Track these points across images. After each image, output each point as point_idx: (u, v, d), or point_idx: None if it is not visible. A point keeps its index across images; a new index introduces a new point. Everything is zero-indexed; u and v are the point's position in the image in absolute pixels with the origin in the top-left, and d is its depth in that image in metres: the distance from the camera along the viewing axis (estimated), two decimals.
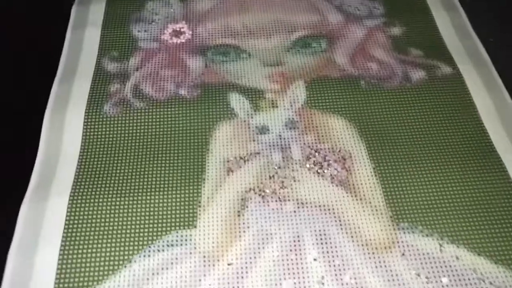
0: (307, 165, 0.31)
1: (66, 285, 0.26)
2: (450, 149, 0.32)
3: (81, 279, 0.27)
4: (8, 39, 0.40)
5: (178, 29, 0.39)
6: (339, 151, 0.32)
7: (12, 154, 0.32)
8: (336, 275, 0.27)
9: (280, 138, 0.33)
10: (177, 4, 0.41)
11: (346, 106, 0.34)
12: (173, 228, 0.29)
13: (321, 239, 0.28)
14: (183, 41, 0.38)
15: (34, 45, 0.39)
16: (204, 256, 0.27)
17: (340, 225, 0.29)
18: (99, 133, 0.33)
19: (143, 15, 0.40)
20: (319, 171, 0.31)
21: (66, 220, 0.29)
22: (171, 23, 0.40)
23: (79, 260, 0.27)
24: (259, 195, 0.30)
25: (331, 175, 0.31)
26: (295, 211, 0.29)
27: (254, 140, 0.33)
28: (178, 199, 0.30)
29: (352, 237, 0.28)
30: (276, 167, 0.31)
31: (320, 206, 0.29)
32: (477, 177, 0.31)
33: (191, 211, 0.29)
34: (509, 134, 0.33)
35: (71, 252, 0.27)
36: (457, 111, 0.34)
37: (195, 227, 0.29)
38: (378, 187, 0.30)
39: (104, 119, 0.33)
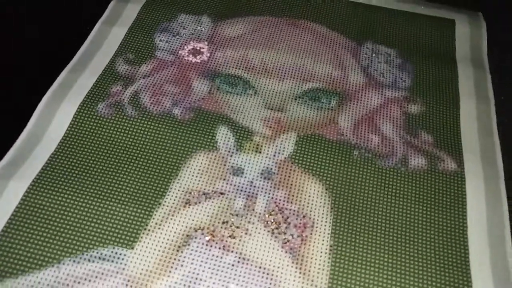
0: (265, 221, 0.30)
1: None
2: (422, 253, 0.30)
3: (9, 265, 0.27)
4: (44, 20, 0.42)
5: (198, 48, 0.40)
6: (304, 217, 0.31)
7: (4, 123, 0.34)
8: None
9: (251, 185, 0.32)
10: (207, 24, 0.42)
11: (329, 172, 0.33)
12: (111, 242, 0.29)
13: None
14: (198, 61, 0.39)
15: (65, 31, 0.41)
16: (128, 281, 0.27)
17: None
18: (84, 129, 0.34)
19: (171, 26, 0.41)
20: (274, 231, 0.30)
21: (19, 203, 0.30)
22: (194, 41, 0.40)
23: (13, 246, 0.28)
24: (205, 237, 0.29)
25: (285, 239, 0.30)
26: (233, 265, 0.28)
27: (224, 179, 0.32)
28: (128, 215, 0.30)
29: None
30: (234, 214, 0.30)
31: (260, 268, 0.28)
32: None
33: (134, 231, 0.29)
34: (492, 262, 0.30)
35: (9, 235, 0.28)
36: (445, 214, 0.32)
37: (132, 248, 0.28)
38: (327, 266, 0.29)
39: (94, 117, 0.34)
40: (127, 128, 0.34)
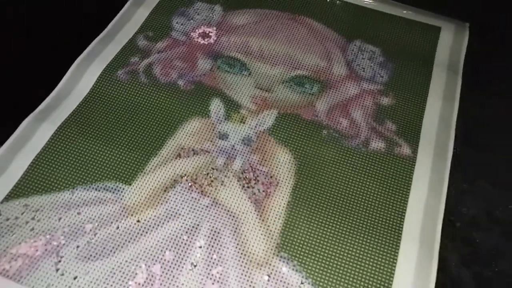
0: (239, 177, 0.37)
1: (27, 184, 0.35)
2: (362, 219, 0.36)
3: (36, 186, 0.36)
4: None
5: (207, 32, 0.47)
6: (271, 177, 0.37)
7: (42, 79, 0.42)
8: (208, 265, 0.33)
9: (232, 148, 0.39)
10: (218, 12, 0.49)
11: (299, 146, 0.39)
12: (114, 178, 0.36)
13: (213, 234, 0.34)
14: (206, 43, 0.46)
15: (95, 10, 0.49)
16: (124, 208, 0.35)
17: (235, 231, 0.34)
18: (105, 89, 0.42)
19: (188, 11, 0.48)
20: (245, 185, 0.37)
21: (47, 141, 0.38)
22: (204, 26, 0.47)
23: (41, 172, 0.36)
24: (188, 183, 0.36)
25: (252, 191, 0.36)
26: (207, 206, 0.35)
27: (211, 141, 0.39)
28: (130, 159, 0.37)
29: (238, 244, 0.34)
30: (214, 168, 0.37)
31: (228, 211, 0.35)
32: (367, 252, 0.34)
33: (133, 171, 0.37)
34: (421, 238, 0.35)
35: (38, 164, 0.37)
36: (391, 192, 0.37)
37: (130, 184, 0.36)
38: (282, 217, 0.35)
39: (113, 80, 0.42)
40: (139, 92, 0.42)
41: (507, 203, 0.38)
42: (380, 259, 0.34)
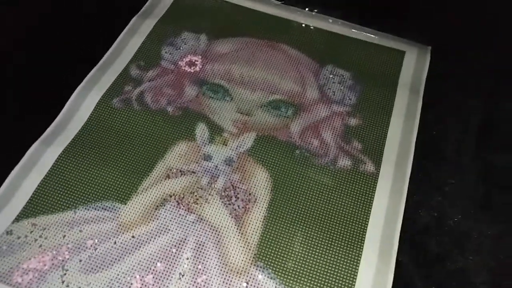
0: (221, 195, 0.42)
1: (34, 205, 0.40)
2: (329, 230, 0.40)
3: (42, 206, 0.41)
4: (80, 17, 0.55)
5: (193, 61, 0.51)
6: (250, 194, 0.43)
7: (46, 107, 0.47)
8: (194, 274, 0.38)
9: (215, 169, 0.44)
10: (203, 42, 0.54)
11: (275, 165, 0.44)
12: (111, 198, 0.41)
13: (199, 247, 0.39)
14: (192, 71, 0.51)
15: (94, 38, 0.54)
16: (120, 225, 0.40)
17: (217, 244, 0.39)
18: (102, 116, 0.47)
19: (176, 41, 0.53)
20: (226, 202, 0.42)
21: (52, 164, 0.43)
22: (191, 54, 0.52)
23: (46, 193, 0.41)
24: (176, 201, 0.42)
25: (233, 208, 0.41)
26: (193, 222, 0.41)
27: (197, 163, 0.44)
28: (125, 180, 0.42)
29: (220, 255, 0.39)
30: (199, 187, 0.42)
31: (212, 226, 0.40)
32: (333, 262, 0.39)
33: (128, 192, 0.42)
34: (381, 242, 0.40)
35: (44, 186, 0.42)
36: (355, 205, 0.42)
37: (125, 204, 0.41)
38: (259, 230, 0.40)
39: (109, 108, 0.47)
40: (132, 119, 0.47)
41: (457, 214, 0.43)
42: (344, 265, 0.39)
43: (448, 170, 0.46)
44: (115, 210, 0.41)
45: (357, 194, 0.43)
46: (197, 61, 0.52)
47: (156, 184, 0.42)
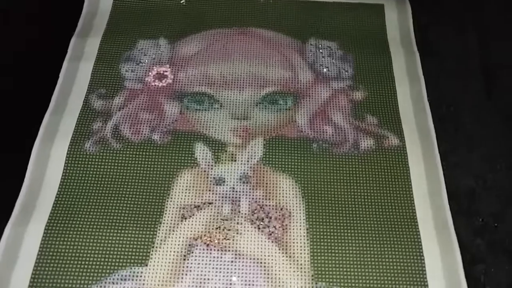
0: (251, 220, 0.36)
1: None
2: (379, 222, 0.37)
3: None
4: (8, 64, 0.44)
5: (161, 72, 0.44)
6: (281, 209, 0.37)
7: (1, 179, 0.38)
8: None
9: (233, 191, 0.38)
10: (165, 46, 0.46)
11: (296, 167, 0.39)
12: (128, 263, 0.34)
13: (248, 287, 0.34)
14: (164, 85, 0.43)
15: (32, 72, 0.44)
16: None
17: (268, 278, 0.34)
18: (78, 168, 0.38)
19: (133, 54, 0.45)
20: (260, 226, 0.36)
21: (40, 244, 0.34)
22: (157, 66, 0.44)
23: (46, 281, 0.33)
24: (205, 243, 0.35)
25: (269, 231, 0.36)
26: (232, 261, 0.34)
27: (210, 190, 0.38)
28: (136, 238, 0.35)
29: None
30: (224, 219, 0.36)
31: (254, 259, 0.35)
32: (395, 254, 0.35)
33: (145, 250, 0.35)
34: (435, 219, 0.37)
35: (41, 273, 0.33)
36: (394, 185, 0.39)
37: (146, 265, 0.34)
38: (307, 247, 0.35)
39: (84, 156, 0.39)
40: (116, 161, 0.39)
41: (494, 168, 0.41)
42: (408, 251, 0.35)
43: (470, 123, 0.43)
44: (137, 277, 0.34)
45: (392, 173, 0.39)
46: (166, 71, 0.44)
47: (173, 231, 0.36)
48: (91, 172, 0.38)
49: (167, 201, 0.37)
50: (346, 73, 0.45)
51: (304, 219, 0.37)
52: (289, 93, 0.43)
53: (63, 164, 0.38)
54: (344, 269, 0.34)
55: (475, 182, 0.40)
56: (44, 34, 0.47)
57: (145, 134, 0.40)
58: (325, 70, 0.45)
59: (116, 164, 0.38)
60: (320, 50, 0.46)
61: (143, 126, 0.41)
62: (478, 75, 0.46)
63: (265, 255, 0.35)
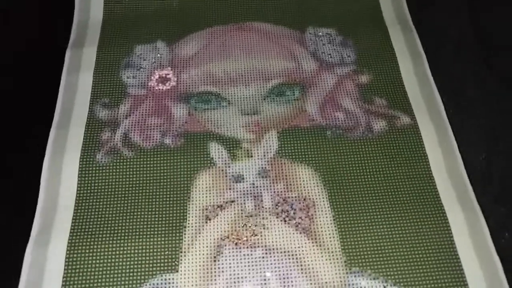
0: (276, 213, 0.36)
1: None
2: (402, 200, 0.37)
3: None
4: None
5: (164, 76, 0.43)
6: (304, 199, 0.37)
7: (14, 202, 0.37)
8: None
9: (253, 187, 0.37)
10: (164, 49, 0.45)
11: (313, 156, 0.39)
12: (158, 271, 0.33)
13: (284, 280, 0.33)
14: (169, 88, 0.42)
15: (30, 87, 0.42)
16: None
17: (301, 269, 0.34)
18: (93, 181, 0.37)
19: (132, 60, 0.44)
20: (286, 219, 0.36)
21: (65, 263, 0.33)
22: (158, 69, 0.43)
23: None
24: (233, 242, 0.34)
25: (296, 223, 0.35)
26: (263, 257, 0.34)
27: (230, 189, 0.37)
28: (162, 245, 0.34)
29: (310, 280, 0.33)
30: (248, 216, 0.36)
31: (285, 252, 0.34)
32: (422, 229, 0.35)
33: (173, 256, 0.34)
34: (456, 189, 0.37)
35: None
36: (412, 162, 0.39)
37: (177, 271, 0.33)
38: (336, 234, 0.35)
39: (97, 168, 0.37)
40: (130, 169, 0.38)
41: (502, 136, 0.41)
42: (435, 227, 0.35)
43: (473, 94, 0.44)
44: (169, 283, 0.33)
45: (408, 151, 0.39)
46: (168, 74, 0.43)
47: (200, 233, 0.35)
48: (106, 184, 0.37)
49: (189, 204, 0.36)
50: (349, 58, 0.45)
51: (328, 207, 0.36)
52: (296, 84, 0.43)
53: (76, 179, 0.37)
54: (375, 252, 0.34)
55: (486, 151, 0.40)
56: (38, 46, 0.45)
57: (156, 139, 0.39)
58: (327, 57, 0.45)
59: (131, 172, 0.37)
60: (320, 38, 0.46)
61: (153, 131, 0.40)
62: (475, 48, 0.46)
63: (295, 247, 0.34)
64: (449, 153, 0.39)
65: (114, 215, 0.35)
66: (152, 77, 0.43)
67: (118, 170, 0.38)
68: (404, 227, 0.35)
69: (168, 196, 0.36)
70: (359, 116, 0.41)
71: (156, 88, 0.42)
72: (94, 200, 0.36)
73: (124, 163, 0.38)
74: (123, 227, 0.35)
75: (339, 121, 0.41)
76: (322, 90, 0.43)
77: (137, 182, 0.37)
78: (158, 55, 0.44)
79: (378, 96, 0.42)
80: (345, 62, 0.44)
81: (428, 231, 0.35)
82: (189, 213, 0.36)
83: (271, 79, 0.43)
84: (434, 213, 0.36)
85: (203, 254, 0.34)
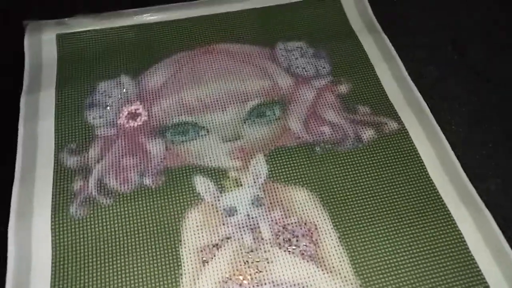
0: (278, 244, 0.33)
1: None
2: (405, 207, 0.35)
3: None
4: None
5: (133, 111, 0.40)
6: (305, 224, 0.34)
7: None
8: None
9: (249, 218, 0.34)
10: (129, 83, 0.41)
11: (305, 175, 0.36)
12: None
13: None
14: (140, 123, 0.39)
15: None
16: None
17: None
18: (69, 238, 0.33)
19: (96, 98, 0.40)
20: (289, 248, 0.33)
21: None
22: (126, 105, 0.40)
23: None
24: (237, 283, 0.31)
25: (301, 251, 0.33)
26: None
27: (224, 224, 0.34)
28: None
29: None
30: (248, 251, 0.33)
31: (295, 285, 0.31)
32: (431, 234, 0.33)
33: None
34: (456, 189, 0.36)
35: None
36: (407, 167, 0.37)
37: None
38: (345, 256, 0.33)
39: (73, 223, 0.33)
40: (110, 218, 0.34)
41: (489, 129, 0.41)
42: (443, 229, 0.34)
43: (452, 87, 0.43)
44: None
45: (401, 156, 0.38)
46: (138, 109, 0.40)
47: (199, 279, 0.31)
48: (85, 239, 0.33)
49: (181, 248, 0.33)
50: (324, 69, 0.43)
51: (332, 228, 0.34)
52: (275, 102, 0.41)
53: (50, 239, 0.33)
54: (389, 269, 0.32)
55: (479, 146, 0.39)
56: None
57: (134, 181, 0.36)
58: (302, 70, 0.43)
59: (112, 222, 0.34)
60: (292, 52, 0.44)
61: (130, 172, 0.36)
62: (446, 42, 0.46)
63: (304, 277, 0.32)
64: (443, 153, 0.38)
65: (98, 273, 0.31)
66: (121, 114, 0.39)
67: (97, 222, 0.34)
68: (413, 236, 0.33)
69: (156, 242, 0.33)
70: (345, 128, 0.39)
71: (127, 125, 0.39)
72: (73, 260, 0.32)
73: (103, 213, 0.34)
74: (111, 285, 0.31)
75: (326, 135, 0.39)
76: (302, 106, 0.41)
77: (120, 231, 0.33)
78: (124, 90, 0.41)
79: (361, 104, 0.41)
80: (321, 74, 0.43)
81: (437, 235, 0.33)
82: (183, 258, 0.32)
83: (248, 101, 0.41)
84: (439, 215, 0.34)
85: None
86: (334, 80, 0.43)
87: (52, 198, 0.34)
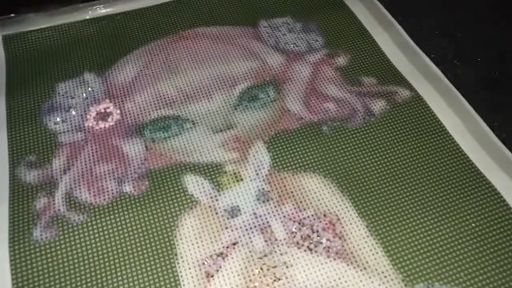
0: (295, 243, 0.27)
1: None
2: (436, 180, 0.30)
3: None
4: None
5: (103, 111, 0.33)
6: (325, 215, 0.28)
7: None
8: None
9: (256, 217, 0.28)
10: (94, 80, 0.35)
11: (315, 159, 0.31)
12: None
13: None
14: (112, 123, 0.33)
15: None
16: None
17: None
18: (34, 268, 0.26)
19: (56, 101, 0.34)
20: (310, 246, 0.27)
21: None
22: (93, 105, 0.34)
23: None
24: None
25: (324, 247, 0.27)
26: None
27: (227, 228, 0.28)
28: None
29: None
30: (261, 256, 0.26)
31: (323, 287, 0.25)
32: (471, 206, 0.28)
33: None
34: (486, 150, 0.31)
35: None
36: (429, 135, 0.32)
37: None
38: (378, 248, 0.27)
39: (37, 249, 0.27)
40: (86, 237, 0.27)
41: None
42: (494, 210, 0.28)
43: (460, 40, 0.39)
44: None
45: (421, 125, 0.33)
46: (108, 107, 0.34)
47: None
48: (55, 267, 0.26)
49: (177, 262, 0.26)
50: (317, 42, 0.38)
51: (357, 216, 0.28)
52: (267, 83, 0.35)
53: (8, 272, 0.26)
54: (433, 256, 0.26)
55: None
56: None
57: (112, 190, 0.29)
58: (292, 46, 0.38)
59: (88, 242, 0.27)
60: (278, 29, 0.39)
61: (106, 181, 0.30)
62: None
63: (334, 279, 0.26)
64: (465, 114, 0.33)
65: None
66: (88, 116, 0.33)
67: (68, 245, 0.27)
68: (455, 214, 0.28)
69: (147, 260, 0.26)
70: (352, 102, 0.34)
71: (97, 127, 0.32)
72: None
73: (76, 233, 0.27)
74: None
75: (331, 112, 0.33)
76: (299, 83, 0.35)
77: (99, 252, 0.26)
78: (89, 89, 0.35)
79: (365, 75, 0.36)
80: (314, 48, 0.38)
81: (483, 210, 0.28)
82: (181, 275, 0.26)
83: (236, 85, 0.35)
84: (478, 186, 0.29)
85: None
86: (330, 52, 0.37)
87: (10, 222, 0.28)
